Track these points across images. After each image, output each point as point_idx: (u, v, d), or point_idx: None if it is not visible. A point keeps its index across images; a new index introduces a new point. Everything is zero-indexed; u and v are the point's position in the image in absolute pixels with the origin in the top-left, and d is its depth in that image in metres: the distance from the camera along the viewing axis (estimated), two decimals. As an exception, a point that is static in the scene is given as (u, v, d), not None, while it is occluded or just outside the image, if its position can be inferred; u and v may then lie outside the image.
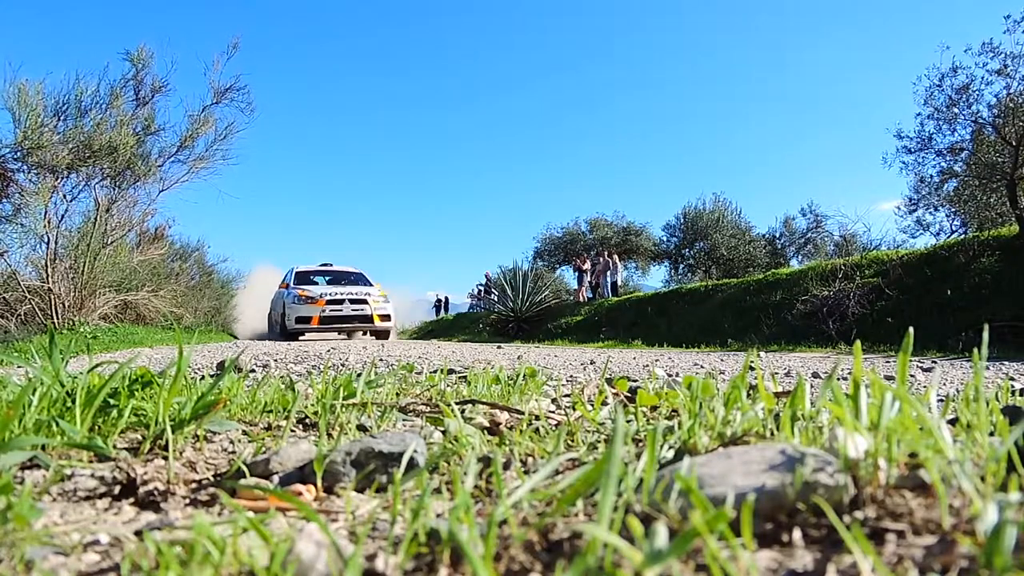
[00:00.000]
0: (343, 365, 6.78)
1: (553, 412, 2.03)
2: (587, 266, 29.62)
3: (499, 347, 15.03)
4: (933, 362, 8.12)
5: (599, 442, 1.49)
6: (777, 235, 36.31)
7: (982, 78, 15.43)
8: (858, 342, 1.18)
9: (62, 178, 16.56)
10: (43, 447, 1.29)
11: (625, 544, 0.63)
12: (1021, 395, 3.22)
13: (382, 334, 19.68)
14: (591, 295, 28.38)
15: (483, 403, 2.01)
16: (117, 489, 1.15)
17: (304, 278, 20.82)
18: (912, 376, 5.60)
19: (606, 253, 29.08)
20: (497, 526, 0.75)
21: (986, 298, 12.65)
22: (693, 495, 0.72)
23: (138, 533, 0.94)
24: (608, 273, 27.57)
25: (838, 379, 1.20)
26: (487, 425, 1.82)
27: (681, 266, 36.87)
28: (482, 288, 34.72)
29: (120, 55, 17.40)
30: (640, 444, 1.43)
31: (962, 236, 17.24)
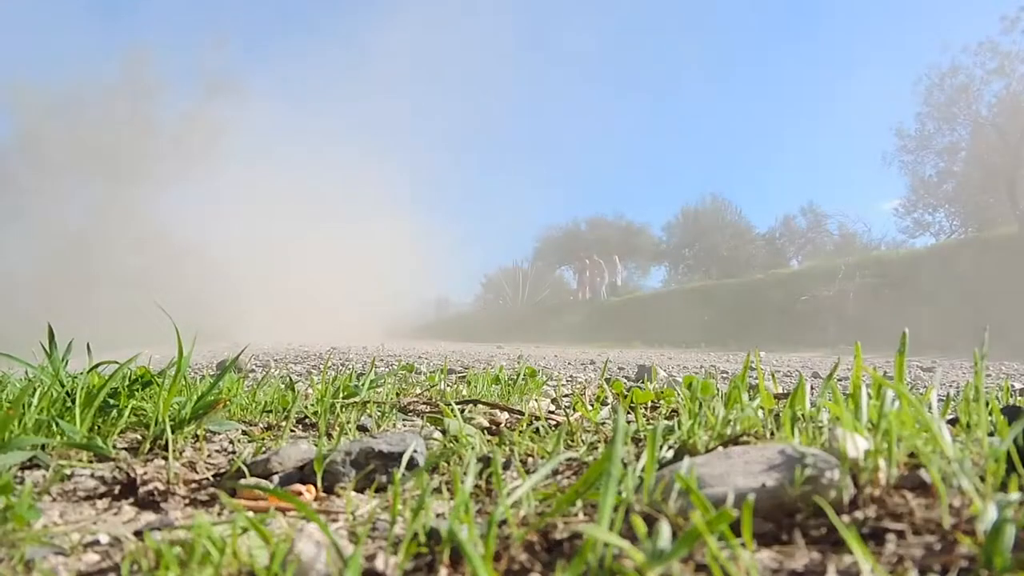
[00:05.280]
0: (343, 365, 6.78)
1: (553, 412, 2.02)
2: (587, 266, 29.64)
3: (499, 347, 15.04)
4: (933, 362, 8.12)
5: (599, 442, 1.49)
6: (777, 235, 36.30)
7: (981, 77, 15.47)
8: (858, 342, 1.18)
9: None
10: (43, 447, 1.29)
11: (627, 544, 0.63)
12: (1021, 395, 3.22)
13: None
14: (591, 295, 28.38)
15: (483, 403, 2.01)
16: (117, 489, 1.15)
17: None
18: (913, 376, 5.60)
19: (604, 253, 29.10)
20: (497, 526, 0.75)
21: (986, 298, 12.65)
22: (693, 495, 0.72)
23: (138, 533, 0.94)
24: (608, 273, 27.58)
25: (838, 379, 1.20)
26: (487, 425, 1.81)
27: (681, 266, 36.90)
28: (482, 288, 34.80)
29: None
30: (640, 444, 1.43)
31: (961, 236, 17.24)
